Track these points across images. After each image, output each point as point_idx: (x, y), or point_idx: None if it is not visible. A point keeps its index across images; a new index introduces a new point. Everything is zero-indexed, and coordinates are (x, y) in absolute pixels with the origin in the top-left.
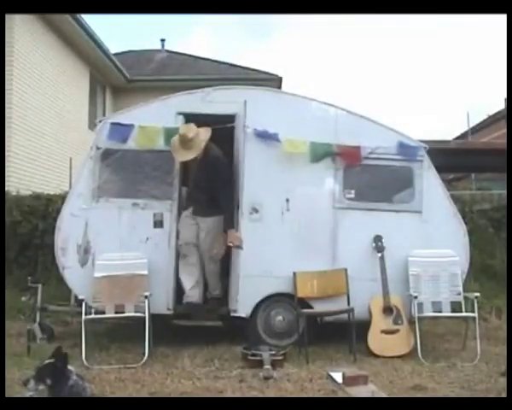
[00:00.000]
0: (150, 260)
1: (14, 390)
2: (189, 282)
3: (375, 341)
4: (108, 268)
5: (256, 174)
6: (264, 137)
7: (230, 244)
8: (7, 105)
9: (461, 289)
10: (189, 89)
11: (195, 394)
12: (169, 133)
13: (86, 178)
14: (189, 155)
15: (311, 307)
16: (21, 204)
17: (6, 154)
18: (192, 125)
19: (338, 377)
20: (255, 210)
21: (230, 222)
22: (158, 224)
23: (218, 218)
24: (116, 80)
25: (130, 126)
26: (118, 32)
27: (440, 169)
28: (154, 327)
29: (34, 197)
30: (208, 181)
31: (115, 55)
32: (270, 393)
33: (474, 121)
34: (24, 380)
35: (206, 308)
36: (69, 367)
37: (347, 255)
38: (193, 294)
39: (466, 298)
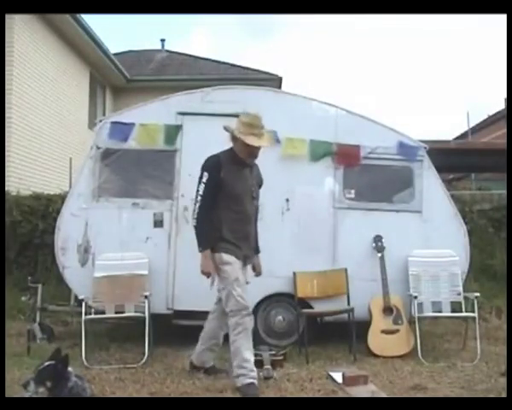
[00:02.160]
0: (150, 259)
1: (14, 390)
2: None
3: (375, 341)
4: (108, 268)
5: None
6: None
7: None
8: (7, 105)
9: (461, 289)
10: (189, 89)
11: (195, 394)
12: (170, 131)
13: (86, 178)
14: (264, 142)
15: (311, 307)
16: (21, 204)
17: (6, 154)
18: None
19: (338, 377)
20: None
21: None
22: (158, 223)
23: None
24: (116, 80)
25: (131, 125)
26: (118, 32)
27: (440, 169)
28: (154, 327)
29: (34, 197)
30: (257, 200)
31: (115, 55)
32: (270, 393)
33: (474, 121)
34: (24, 382)
35: None
36: (68, 368)
37: (347, 255)
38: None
39: (466, 298)
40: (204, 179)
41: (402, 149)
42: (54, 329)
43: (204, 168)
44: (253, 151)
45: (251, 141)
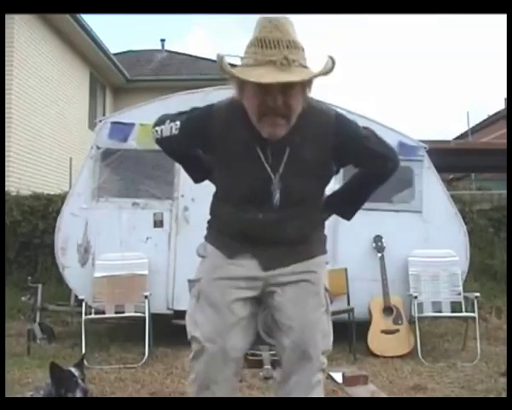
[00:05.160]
0: (150, 259)
1: (14, 390)
2: None
3: (375, 341)
4: (108, 268)
5: None
6: None
7: None
8: (7, 105)
9: (461, 289)
10: (189, 89)
11: None
12: None
13: (86, 178)
14: (291, 76)
15: None
16: (21, 204)
17: (6, 154)
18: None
19: (338, 377)
20: None
21: None
22: (158, 223)
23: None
24: (116, 80)
25: (131, 125)
26: (118, 32)
27: (440, 169)
28: (154, 327)
29: (34, 197)
30: (315, 175)
31: (115, 55)
32: (270, 393)
33: (474, 121)
34: (45, 390)
35: None
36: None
37: (347, 255)
38: None
39: (466, 298)
40: None
41: (402, 149)
42: (54, 329)
43: None
44: (268, 100)
45: (257, 76)
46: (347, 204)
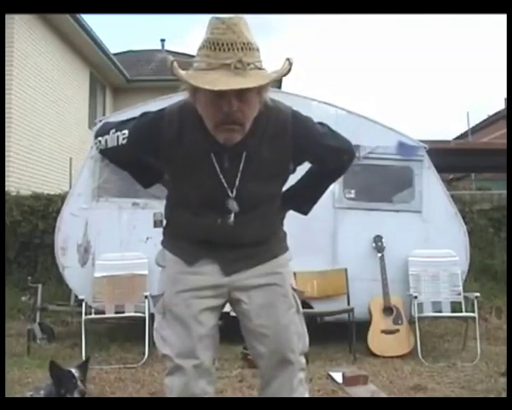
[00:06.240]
0: (150, 259)
1: (14, 390)
2: None
3: (375, 341)
4: (109, 268)
5: None
6: None
7: None
8: (7, 105)
9: (461, 289)
10: None
11: None
12: None
13: (86, 178)
14: (246, 81)
15: (310, 307)
16: (21, 204)
17: (6, 154)
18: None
19: (338, 377)
20: None
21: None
22: (158, 223)
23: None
24: (116, 80)
25: None
26: (118, 32)
27: (440, 169)
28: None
29: (34, 197)
30: (272, 175)
31: (115, 55)
32: None
33: (474, 121)
34: (47, 391)
35: None
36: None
37: (347, 255)
38: None
39: (466, 298)
40: None
41: (402, 149)
42: (54, 329)
43: None
44: (222, 106)
45: (210, 82)
46: (304, 199)
